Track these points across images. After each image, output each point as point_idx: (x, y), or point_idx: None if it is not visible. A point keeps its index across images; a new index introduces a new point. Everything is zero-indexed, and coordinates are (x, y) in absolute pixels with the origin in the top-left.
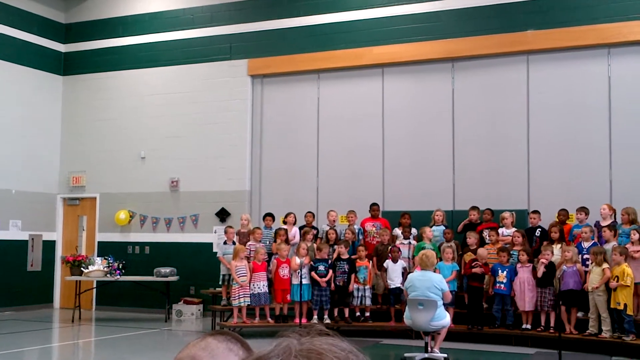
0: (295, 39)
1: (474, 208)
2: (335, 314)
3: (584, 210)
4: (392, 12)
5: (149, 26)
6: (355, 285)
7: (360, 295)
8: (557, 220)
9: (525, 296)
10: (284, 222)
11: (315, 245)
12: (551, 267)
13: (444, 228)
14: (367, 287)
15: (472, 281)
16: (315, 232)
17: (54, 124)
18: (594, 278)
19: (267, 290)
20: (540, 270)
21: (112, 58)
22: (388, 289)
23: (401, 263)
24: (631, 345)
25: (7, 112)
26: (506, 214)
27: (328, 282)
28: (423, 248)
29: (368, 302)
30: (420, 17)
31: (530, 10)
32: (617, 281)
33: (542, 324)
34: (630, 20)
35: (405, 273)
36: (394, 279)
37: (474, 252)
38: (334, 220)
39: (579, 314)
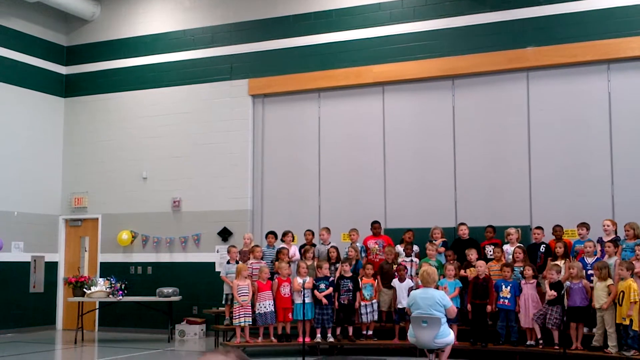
0: (296, 59)
1: (462, 224)
2: (338, 332)
3: (585, 225)
4: (392, 31)
5: (150, 48)
6: (363, 303)
7: (368, 312)
8: (554, 237)
9: (529, 312)
10: (282, 241)
11: (315, 263)
12: (558, 285)
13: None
14: (374, 301)
15: (474, 299)
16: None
17: (55, 145)
18: (599, 294)
19: (274, 310)
20: (549, 292)
21: (113, 80)
22: (396, 308)
23: (408, 282)
24: None
25: (9, 134)
26: (511, 230)
27: (331, 301)
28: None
29: (375, 317)
30: (420, 35)
31: (530, 27)
32: (623, 296)
33: (538, 336)
34: (629, 36)
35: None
36: (401, 300)
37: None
38: (326, 240)
39: (585, 330)
